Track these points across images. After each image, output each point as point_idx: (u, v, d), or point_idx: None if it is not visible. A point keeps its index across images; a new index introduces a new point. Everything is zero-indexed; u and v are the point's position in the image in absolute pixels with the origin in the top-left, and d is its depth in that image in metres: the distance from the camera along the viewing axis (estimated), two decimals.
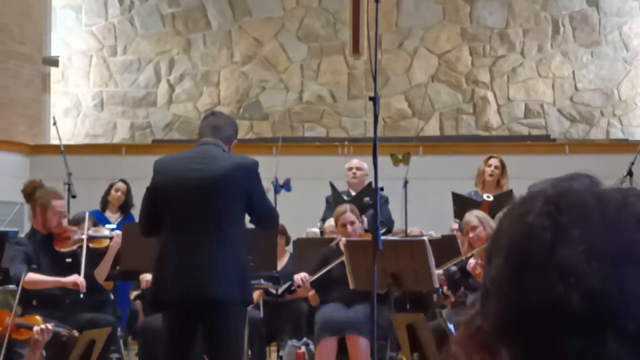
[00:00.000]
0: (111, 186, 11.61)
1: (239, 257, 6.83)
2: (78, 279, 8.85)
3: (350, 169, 11.71)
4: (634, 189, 1.38)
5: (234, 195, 6.79)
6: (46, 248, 9.03)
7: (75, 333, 7.61)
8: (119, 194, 11.50)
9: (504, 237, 1.36)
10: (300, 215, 12.14)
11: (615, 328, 1.28)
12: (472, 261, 9.01)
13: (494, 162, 11.03)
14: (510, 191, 10.73)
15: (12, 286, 8.68)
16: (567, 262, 1.29)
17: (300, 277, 9.64)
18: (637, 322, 1.29)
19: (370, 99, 7.02)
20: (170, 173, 6.86)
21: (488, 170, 10.97)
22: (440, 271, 9.12)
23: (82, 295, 8.88)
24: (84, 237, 9.11)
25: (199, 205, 6.75)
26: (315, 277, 9.59)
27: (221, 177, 6.75)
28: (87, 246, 9.13)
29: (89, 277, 9.23)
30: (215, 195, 6.75)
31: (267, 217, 7.09)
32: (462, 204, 10.52)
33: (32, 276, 8.61)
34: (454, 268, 9.20)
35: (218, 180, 6.74)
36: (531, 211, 1.34)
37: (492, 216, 9.51)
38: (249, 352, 9.81)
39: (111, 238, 9.35)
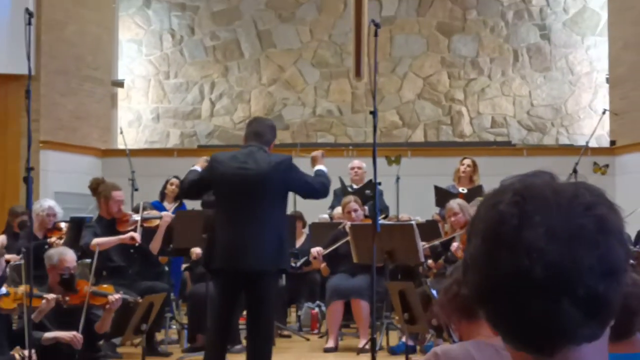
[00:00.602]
0: (167, 181, 11.61)
1: (279, 235, 6.84)
2: (133, 234, 8.92)
3: (352, 168, 11.72)
4: (583, 182, 1.39)
5: (275, 187, 6.83)
6: (110, 230, 9.08)
7: (139, 299, 7.59)
8: (173, 187, 11.49)
9: (481, 222, 1.37)
10: (314, 204, 12.07)
11: (569, 293, 1.30)
12: (454, 244, 8.99)
13: (466, 162, 11.03)
14: (480, 186, 10.71)
15: (87, 260, 8.68)
16: (531, 242, 1.30)
17: (316, 250, 9.71)
18: (586, 288, 1.30)
19: (371, 112, 7.01)
20: (225, 167, 6.88)
21: (462, 168, 10.97)
22: (427, 246, 9.11)
23: (137, 244, 8.94)
24: (139, 218, 9.18)
25: (247, 195, 6.78)
26: (327, 251, 9.62)
27: (265, 175, 6.77)
28: (142, 225, 9.19)
29: (146, 251, 9.25)
30: (260, 187, 6.78)
31: (312, 189, 7.09)
32: (442, 196, 10.52)
33: (97, 240, 8.68)
34: (437, 243, 9.20)
35: (262, 177, 6.77)
36: (502, 201, 1.36)
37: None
38: (274, 312, 9.79)
39: (161, 218, 9.41)
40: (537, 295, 1.31)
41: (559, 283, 1.30)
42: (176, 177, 11.60)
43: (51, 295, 7.09)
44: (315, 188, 7.10)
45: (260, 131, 7.03)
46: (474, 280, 1.37)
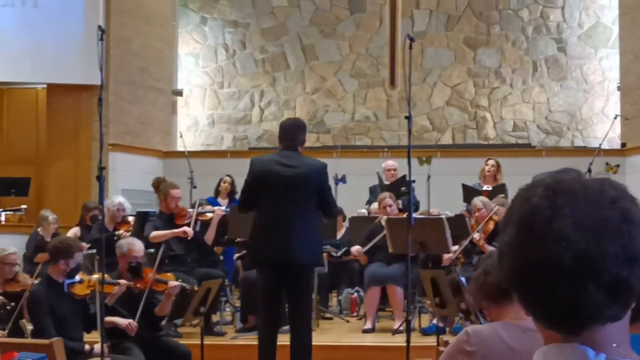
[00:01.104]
0: (221, 180, 11.65)
1: (315, 232, 6.85)
2: (186, 228, 9.00)
3: (388, 169, 11.73)
4: (608, 179, 1.40)
5: (311, 188, 6.80)
6: (170, 223, 9.17)
7: (195, 287, 7.62)
8: (227, 185, 11.53)
9: (515, 213, 1.37)
10: (353, 200, 12.12)
11: (595, 278, 1.30)
12: (476, 235, 8.98)
13: (491, 162, 10.99)
14: (503, 184, 10.68)
15: (151, 250, 8.73)
16: (560, 231, 1.31)
17: (355, 249, 9.64)
18: (610, 274, 1.30)
19: (406, 117, 6.96)
20: (264, 169, 6.87)
21: (487, 168, 10.93)
22: (458, 249, 9.04)
23: (189, 238, 8.99)
24: (194, 213, 9.24)
25: (287, 194, 6.76)
26: (366, 248, 9.58)
27: (303, 176, 6.77)
28: (197, 219, 9.26)
29: (202, 242, 9.31)
30: (298, 187, 6.76)
31: (329, 208, 7.04)
32: (469, 192, 10.50)
33: (154, 233, 8.76)
34: (466, 243, 9.15)
35: (301, 178, 6.76)
36: (535, 194, 1.36)
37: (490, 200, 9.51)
38: (318, 297, 9.80)
39: (213, 212, 9.46)
40: (566, 280, 1.31)
41: (586, 269, 1.30)
42: (228, 175, 11.66)
43: (123, 282, 7.14)
44: (333, 205, 7.11)
45: (293, 136, 6.99)
46: (509, 266, 1.37)
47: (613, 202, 1.33)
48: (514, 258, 1.36)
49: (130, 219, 9.91)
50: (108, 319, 6.83)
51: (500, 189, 10.40)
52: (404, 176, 11.09)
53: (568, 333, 1.36)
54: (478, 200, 9.38)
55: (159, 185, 10.06)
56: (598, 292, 1.30)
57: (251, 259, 7.52)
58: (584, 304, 1.31)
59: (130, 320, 6.90)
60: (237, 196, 11.19)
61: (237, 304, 9.99)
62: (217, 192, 11.59)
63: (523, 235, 1.34)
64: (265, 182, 6.82)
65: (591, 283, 1.30)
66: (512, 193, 10.85)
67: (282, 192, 6.76)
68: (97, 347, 6.12)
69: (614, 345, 1.35)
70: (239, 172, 9.68)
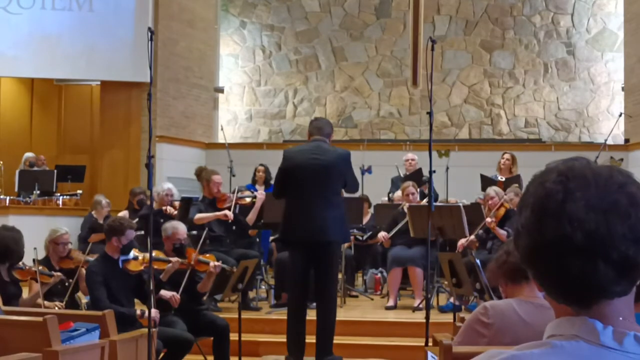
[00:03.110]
0: (255, 169, 11.70)
1: (340, 213, 6.87)
2: (227, 212, 9.02)
3: (407, 159, 11.75)
4: (616, 166, 1.39)
5: (336, 175, 6.85)
6: (212, 207, 9.19)
7: (234, 268, 7.64)
8: (261, 173, 11.58)
9: (530, 197, 1.37)
10: (378, 188, 12.12)
11: (604, 256, 1.30)
12: (488, 219, 8.96)
13: (506, 156, 10.94)
14: (518, 175, 10.64)
15: (194, 232, 8.77)
16: (572, 213, 1.31)
17: (382, 235, 9.64)
18: (619, 252, 1.30)
19: (427, 113, 6.94)
20: (296, 160, 6.92)
21: (502, 161, 10.90)
22: (472, 237, 9.02)
23: (229, 221, 9.03)
24: (234, 198, 9.27)
25: (315, 181, 6.81)
26: (391, 234, 9.57)
27: (330, 164, 6.82)
28: (237, 203, 9.28)
29: (242, 223, 9.34)
30: (326, 175, 6.81)
31: (351, 186, 7.13)
32: (486, 182, 10.45)
33: (198, 215, 8.80)
34: (480, 231, 9.11)
35: (328, 166, 6.82)
36: (549, 179, 1.36)
37: (504, 190, 9.47)
38: (344, 276, 9.81)
39: (254, 197, 9.47)
40: (577, 257, 1.31)
41: (596, 247, 1.30)
42: (262, 164, 11.71)
43: (176, 259, 7.20)
44: (355, 184, 7.19)
45: (320, 126, 7.10)
46: (524, 244, 1.37)
47: (621, 187, 1.33)
48: (530, 237, 1.36)
49: (177, 203, 9.96)
50: None
51: (514, 180, 10.36)
52: (421, 169, 11.12)
53: (579, 307, 1.36)
54: (491, 190, 9.39)
55: (201, 173, 10.09)
56: (607, 269, 1.30)
57: (282, 240, 7.55)
58: (594, 280, 1.31)
59: (174, 293, 6.94)
60: (272, 182, 11.32)
61: (272, 282, 10.02)
62: (254, 180, 11.64)
63: (538, 216, 1.34)
64: (295, 170, 6.88)
65: (601, 260, 1.30)
66: (525, 184, 10.96)
67: (311, 178, 6.81)
68: (155, 313, 6.17)
69: (620, 319, 1.34)
70: (274, 162, 9.69)
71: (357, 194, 9.36)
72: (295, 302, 7.00)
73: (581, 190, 1.32)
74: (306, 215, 6.79)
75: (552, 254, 1.33)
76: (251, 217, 9.39)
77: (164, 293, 6.92)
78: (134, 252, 6.86)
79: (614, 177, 1.34)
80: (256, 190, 10.43)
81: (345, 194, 7.72)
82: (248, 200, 9.47)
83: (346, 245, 10.06)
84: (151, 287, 6.19)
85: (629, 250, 1.30)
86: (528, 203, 1.37)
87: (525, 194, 1.40)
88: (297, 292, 7.00)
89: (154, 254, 6.50)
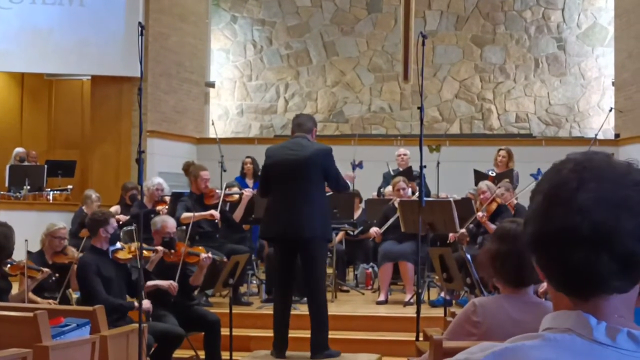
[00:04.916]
0: (243, 162, 11.71)
1: (321, 209, 6.86)
2: (213, 212, 8.98)
3: (399, 154, 11.72)
4: (635, 163, 1.40)
5: (315, 170, 6.84)
6: (200, 203, 9.16)
7: (224, 259, 7.64)
8: (249, 165, 11.60)
9: (545, 183, 1.38)
10: (369, 183, 12.11)
11: (609, 249, 1.30)
12: (480, 213, 8.96)
13: (501, 152, 10.96)
14: (511, 170, 10.65)
15: (183, 227, 8.75)
16: (584, 203, 1.31)
17: (374, 230, 9.63)
18: (624, 247, 1.30)
19: (418, 108, 6.93)
20: (276, 157, 6.96)
21: (498, 157, 10.90)
22: (463, 230, 9.02)
23: (217, 221, 8.99)
24: (222, 194, 9.25)
25: (294, 177, 6.82)
26: (383, 229, 9.56)
27: (307, 159, 6.80)
28: (225, 200, 9.25)
29: (230, 220, 9.31)
30: (303, 170, 6.81)
31: (333, 183, 7.07)
32: (479, 177, 10.45)
33: (185, 215, 8.75)
34: (471, 225, 9.12)
35: (305, 161, 6.79)
36: (565, 167, 1.37)
37: (496, 184, 9.47)
38: (335, 272, 9.81)
39: (241, 194, 9.44)
40: (582, 247, 1.31)
41: (602, 239, 1.30)
42: (248, 157, 11.71)
43: (160, 248, 7.21)
44: (340, 183, 7.10)
45: (301, 122, 7.10)
46: (532, 230, 1.38)
47: (636, 185, 1.33)
48: (538, 224, 1.36)
49: (168, 198, 9.94)
50: (150, 282, 6.88)
51: (506, 175, 10.35)
52: (411, 167, 11.11)
53: (577, 298, 1.36)
54: (483, 184, 9.38)
55: (189, 169, 10.06)
56: (610, 262, 1.31)
57: (263, 236, 7.58)
58: (595, 271, 1.32)
59: (172, 282, 6.95)
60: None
61: (263, 277, 10.01)
62: (243, 173, 11.63)
63: (549, 203, 1.35)
64: (274, 167, 6.91)
65: (605, 253, 1.30)
66: (517, 178, 10.72)
67: (289, 175, 6.82)
68: (145, 303, 6.17)
69: (616, 316, 1.35)
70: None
71: (350, 190, 9.35)
72: (277, 297, 7.05)
73: (595, 181, 1.33)
74: (282, 211, 6.81)
75: (558, 242, 1.33)
76: (237, 215, 9.37)
77: (161, 282, 6.92)
78: (119, 244, 6.93)
79: (631, 173, 1.35)
80: (245, 184, 10.43)
81: (332, 191, 7.63)
82: (236, 197, 9.44)
83: (337, 239, 10.06)
84: (142, 282, 6.18)
85: (635, 247, 1.31)
86: (542, 189, 1.38)
87: (541, 181, 1.41)
88: (279, 286, 7.09)
89: (137, 245, 6.51)
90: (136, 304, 6.39)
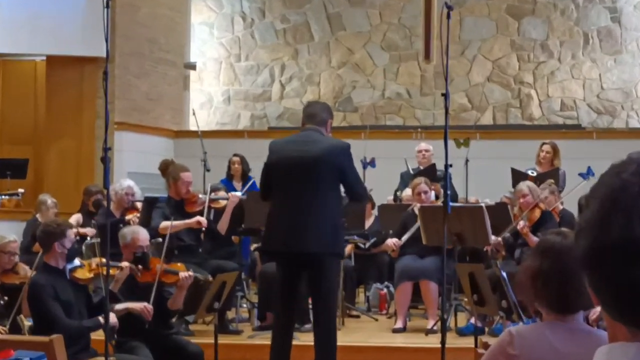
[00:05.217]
0: (230, 161, 11.71)
1: (334, 219, 6.81)
2: (200, 218, 8.98)
3: (420, 150, 11.70)
4: None
5: (329, 170, 6.76)
6: (179, 210, 9.15)
7: (209, 278, 7.64)
8: (236, 165, 11.59)
9: (602, 187, 1.38)
10: (383, 185, 12.11)
11: None
12: (521, 223, 8.94)
13: (545, 148, 10.96)
14: (557, 169, 10.64)
15: (159, 239, 8.75)
16: None
17: (392, 242, 9.60)
18: None
19: (442, 94, 6.90)
20: (281, 153, 6.89)
21: (541, 154, 10.90)
22: (499, 239, 9.02)
23: (203, 229, 8.99)
24: (207, 199, 9.24)
25: (302, 178, 6.75)
26: (403, 241, 9.56)
27: (319, 157, 6.73)
28: (209, 206, 9.25)
29: (215, 232, 9.31)
30: (315, 170, 6.74)
31: (355, 192, 7.02)
32: (518, 177, 10.42)
33: (164, 223, 8.73)
34: (507, 234, 9.11)
35: (317, 159, 6.73)
36: (626, 170, 1.36)
37: (538, 186, 9.46)
38: (343, 293, 9.81)
39: (228, 199, 9.45)
40: None
41: None
42: (236, 155, 11.69)
43: (125, 264, 7.19)
44: (361, 189, 7.07)
45: (313, 112, 7.01)
46: (585, 243, 1.37)
47: None
48: (593, 235, 1.36)
49: (139, 205, 9.94)
50: (119, 306, 6.87)
51: (551, 174, 10.33)
52: (434, 164, 11.09)
53: (637, 328, 1.34)
54: (524, 186, 9.33)
55: (167, 169, 10.07)
56: None
57: (263, 251, 7.54)
58: None
59: (145, 303, 6.94)
60: (251, 175, 11.29)
61: (255, 299, 10.01)
62: (230, 175, 11.64)
63: (606, 209, 1.35)
64: (279, 165, 6.84)
65: None
66: (564, 177, 10.69)
67: (297, 175, 6.76)
68: (111, 318, 6.17)
69: None
70: (257, 154, 9.70)
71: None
72: (278, 324, 7.02)
73: None
74: (287, 221, 6.75)
75: (616, 257, 1.32)
76: (222, 225, 9.36)
77: (132, 305, 6.92)
78: (78, 260, 6.88)
79: None
80: (232, 187, 10.43)
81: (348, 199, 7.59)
82: (223, 203, 9.44)
83: (345, 254, 10.06)
84: (107, 306, 6.18)
85: None
86: (598, 195, 1.38)
87: (597, 185, 1.41)
88: (281, 311, 7.01)
89: (100, 260, 6.51)
90: (101, 319, 6.39)
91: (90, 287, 7.12)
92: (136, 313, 6.91)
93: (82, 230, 10.09)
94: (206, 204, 9.21)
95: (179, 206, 9.23)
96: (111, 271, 6.99)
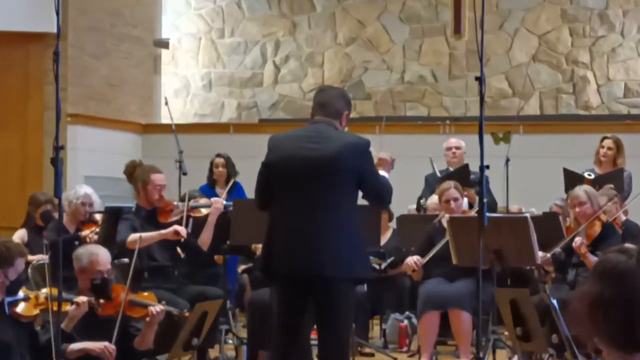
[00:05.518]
0: (211, 163, 11.71)
1: (350, 235, 6.76)
2: (178, 227, 8.94)
3: (449, 148, 11.71)
4: None
5: (345, 173, 6.71)
6: (151, 222, 9.14)
7: (185, 312, 7.63)
8: (220, 169, 11.60)
9: None
10: (403, 192, 12.09)
11: None
12: (577, 239, 8.89)
13: (607, 143, 10.92)
14: (620, 170, 10.61)
15: (125, 260, 8.75)
16: None
17: (413, 260, 9.59)
18: None
19: (477, 78, 6.88)
20: (283, 151, 6.83)
21: (602, 151, 10.87)
22: (548, 255, 9.01)
23: (182, 240, 8.98)
24: (185, 207, 9.21)
25: (311, 183, 6.70)
26: (427, 259, 9.54)
27: (333, 157, 6.68)
28: (189, 216, 9.24)
29: (195, 248, 9.30)
30: (327, 174, 6.68)
31: (378, 196, 7.00)
32: (572, 180, 10.39)
33: (134, 235, 8.69)
34: (559, 250, 9.10)
35: (330, 160, 6.67)
36: None
37: (597, 190, 9.44)
38: (354, 325, 9.81)
39: (210, 206, 9.43)
40: None
41: None
42: (220, 155, 11.68)
43: (82, 298, 7.15)
44: (385, 192, 7.02)
45: (325, 100, 6.95)
46: None
47: None
48: None
49: (99, 217, 9.94)
50: (75, 346, 6.86)
51: (613, 176, 10.31)
52: (467, 164, 11.09)
53: None
54: (580, 191, 9.27)
55: (135, 171, 10.07)
56: None
57: (262, 273, 7.50)
58: None
59: (106, 343, 6.93)
60: (238, 181, 11.30)
61: (244, 334, 10.02)
62: (212, 179, 11.64)
63: None
64: (282, 166, 6.80)
65: None
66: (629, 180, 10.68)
67: (303, 178, 6.73)
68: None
69: None
70: (246, 152, 9.73)
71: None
72: None
73: None
74: (294, 235, 6.72)
75: None
76: (204, 238, 9.35)
77: (90, 345, 6.91)
78: (22, 292, 6.86)
79: None
80: (214, 195, 10.41)
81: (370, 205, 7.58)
82: (205, 211, 9.43)
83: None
84: (58, 346, 6.18)
85: None
86: None
87: None
88: (277, 350, 6.99)
89: (50, 291, 6.50)
90: None
91: (38, 321, 7.10)
92: (95, 355, 6.90)
93: (31, 257, 10.02)
94: (184, 213, 9.18)
95: (151, 217, 9.22)
96: (63, 306, 6.97)
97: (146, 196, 9.29)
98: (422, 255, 9.60)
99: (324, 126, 6.81)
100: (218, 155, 11.76)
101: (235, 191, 11.24)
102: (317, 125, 6.84)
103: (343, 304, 6.78)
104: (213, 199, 9.70)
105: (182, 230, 8.97)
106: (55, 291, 6.84)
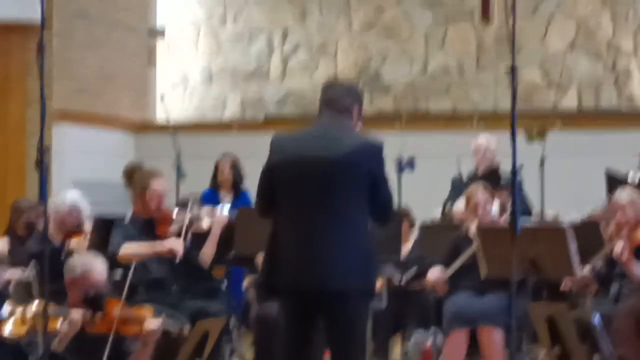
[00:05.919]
0: (216, 166, 11.72)
1: (363, 245, 6.76)
2: (173, 244, 8.91)
3: (477, 146, 11.68)
4: None
5: (357, 177, 6.70)
6: (148, 233, 9.11)
7: (186, 331, 7.65)
8: (226, 172, 11.60)
9: None
10: (426, 196, 12.13)
11: None
12: (618, 247, 8.86)
13: None
14: None
15: (119, 269, 8.77)
16: None
17: (436, 274, 9.61)
18: None
19: (508, 69, 6.88)
20: (288, 153, 6.82)
21: None
22: (587, 268, 9.00)
23: (177, 260, 8.97)
24: (186, 220, 9.20)
25: (319, 189, 6.68)
26: (450, 271, 9.56)
27: (343, 160, 6.68)
28: (188, 230, 9.21)
29: (195, 262, 9.31)
30: (337, 179, 6.68)
31: (381, 208, 6.98)
32: (615, 184, 10.36)
33: (127, 247, 8.68)
34: (599, 263, 9.08)
35: (340, 163, 6.68)
36: None
37: None
38: (372, 344, 9.83)
39: (212, 219, 9.43)
40: None
41: None
42: (227, 155, 11.69)
43: (76, 314, 7.17)
44: (387, 205, 6.99)
45: (334, 95, 6.92)
46: None
47: None
48: None
49: (87, 227, 9.96)
50: None
51: None
52: (498, 167, 11.09)
53: None
54: (624, 196, 9.30)
55: (134, 175, 10.09)
56: None
57: (266, 287, 7.51)
58: None
59: None
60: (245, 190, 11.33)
61: (250, 355, 10.04)
62: (215, 184, 11.65)
63: None
64: (286, 170, 6.80)
65: None
66: None
67: (311, 184, 6.72)
68: None
69: None
70: (251, 153, 9.74)
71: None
72: None
73: None
74: (302, 245, 6.72)
75: None
76: (207, 251, 9.36)
77: None
78: (7, 307, 6.88)
79: None
80: (218, 200, 10.43)
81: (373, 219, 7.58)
82: (206, 225, 9.42)
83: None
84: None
85: None
86: None
87: None
88: None
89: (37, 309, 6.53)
90: None
91: (24, 340, 7.13)
92: None
93: (9, 272, 10.01)
94: (184, 225, 9.17)
95: (148, 227, 9.20)
96: (52, 324, 7.00)
97: (143, 204, 9.27)
98: (446, 267, 9.62)
99: (333, 125, 6.81)
100: (224, 156, 11.76)
101: (240, 199, 11.26)
102: (324, 125, 6.84)
103: (354, 319, 6.79)
104: (218, 209, 9.68)
105: (179, 250, 8.92)
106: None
